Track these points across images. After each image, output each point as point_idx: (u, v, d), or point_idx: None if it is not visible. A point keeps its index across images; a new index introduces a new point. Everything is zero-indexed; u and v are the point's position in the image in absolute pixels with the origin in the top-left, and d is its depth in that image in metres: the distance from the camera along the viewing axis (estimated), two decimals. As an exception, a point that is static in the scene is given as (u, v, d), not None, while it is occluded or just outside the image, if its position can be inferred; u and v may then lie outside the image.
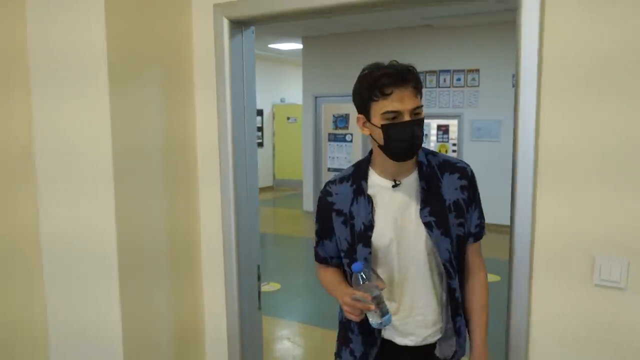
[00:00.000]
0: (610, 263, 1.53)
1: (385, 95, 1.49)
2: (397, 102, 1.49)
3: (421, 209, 1.60)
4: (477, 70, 8.24)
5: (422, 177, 1.62)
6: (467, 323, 1.71)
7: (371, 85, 1.51)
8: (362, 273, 1.50)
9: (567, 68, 1.57)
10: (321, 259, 1.80)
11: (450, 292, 1.64)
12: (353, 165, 1.72)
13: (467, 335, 1.71)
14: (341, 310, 1.69)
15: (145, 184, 2.05)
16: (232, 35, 2.08)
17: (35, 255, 2.09)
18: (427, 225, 1.58)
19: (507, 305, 1.74)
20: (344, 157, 9.59)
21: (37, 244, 2.10)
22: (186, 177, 2.24)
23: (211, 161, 2.22)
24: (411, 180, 1.62)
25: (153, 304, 2.11)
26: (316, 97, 9.71)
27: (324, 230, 1.74)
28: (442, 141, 8.75)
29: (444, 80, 8.52)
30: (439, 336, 1.66)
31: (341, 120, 9.59)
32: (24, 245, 2.06)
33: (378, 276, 1.58)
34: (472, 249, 1.69)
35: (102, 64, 1.83)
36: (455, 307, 1.66)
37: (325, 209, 1.71)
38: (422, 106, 1.55)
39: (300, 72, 9.94)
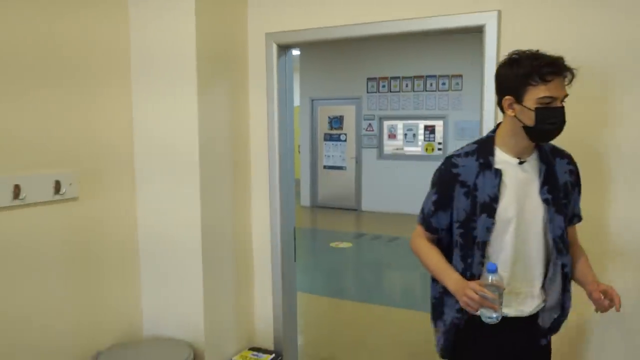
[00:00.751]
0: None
1: (545, 82, 1.61)
2: (554, 90, 1.62)
3: (541, 187, 1.74)
4: (461, 76, 9.04)
5: (541, 158, 1.77)
6: (579, 277, 1.86)
7: (531, 72, 1.62)
8: (496, 273, 1.61)
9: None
10: (432, 229, 1.86)
11: (561, 267, 1.77)
12: (475, 143, 1.83)
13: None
14: (435, 289, 1.89)
15: (218, 177, 2.80)
16: (278, 55, 2.85)
17: (134, 247, 2.81)
18: (545, 201, 1.74)
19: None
20: (338, 155, 10.36)
21: (136, 236, 2.82)
22: (242, 169, 2.98)
23: (261, 155, 2.98)
24: (533, 159, 1.77)
25: (224, 299, 2.89)
26: (313, 100, 10.46)
27: (443, 201, 1.80)
28: (429, 140, 9.55)
29: (431, 85, 9.31)
30: (541, 306, 1.81)
31: (336, 121, 10.34)
32: (124, 237, 2.77)
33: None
34: (574, 227, 1.91)
35: (192, 70, 2.58)
36: (565, 283, 1.78)
37: (449, 180, 1.78)
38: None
39: (296, 77, 10.66)
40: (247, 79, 2.95)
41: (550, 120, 1.64)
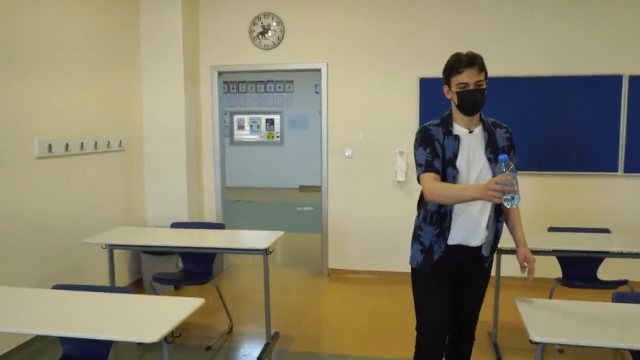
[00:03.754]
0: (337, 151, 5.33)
1: (459, 73, 2.23)
2: (466, 77, 2.22)
3: (485, 149, 2.29)
4: (292, 81, 12.13)
5: (484, 129, 2.34)
6: (511, 231, 2.46)
7: (451, 66, 2.26)
8: (507, 162, 1.95)
9: (334, 101, 5.32)
10: (436, 170, 2.27)
11: (497, 205, 2.30)
12: (438, 118, 2.38)
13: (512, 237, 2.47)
14: (417, 220, 2.45)
15: (193, 145, 5.30)
16: (218, 76, 5.46)
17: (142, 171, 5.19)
18: (489, 159, 2.28)
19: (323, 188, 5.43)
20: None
21: (143, 169, 5.19)
22: (198, 146, 5.51)
23: (207, 142, 5.55)
24: (478, 130, 2.34)
25: (194, 200, 5.40)
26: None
27: (433, 150, 2.29)
28: (269, 130, 12.46)
29: (270, 88, 12.24)
30: (485, 241, 2.35)
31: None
32: (139, 169, 5.15)
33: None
34: None
35: (181, 74, 5.07)
36: (497, 215, 2.35)
37: (429, 138, 2.31)
38: (483, 80, 2.24)
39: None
40: (200, 88, 5.50)
41: (466, 99, 2.23)
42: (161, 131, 5.19)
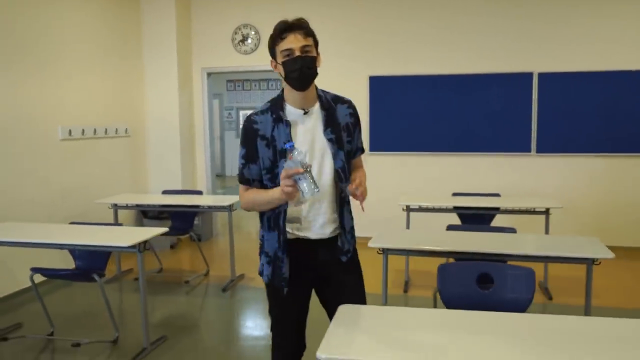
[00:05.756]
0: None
1: (282, 39, 1.90)
2: (290, 43, 1.89)
3: (324, 129, 2.04)
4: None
5: (322, 106, 2.06)
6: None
7: (274, 34, 1.94)
8: (295, 149, 1.81)
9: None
10: (245, 180, 2.07)
11: (340, 192, 2.07)
12: (269, 102, 2.06)
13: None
14: (261, 232, 2.15)
15: (186, 136, 6.50)
16: (208, 77, 6.64)
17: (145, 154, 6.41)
18: (330, 140, 2.04)
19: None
20: (206, 136, 14.04)
21: (145, 155, 6.41)
22: (192, 135, 6.72)
23: (199, 132, 6.75)
24: (315, 109, 2.05)
25: (187, 171, 6.60)
26: (185, 95, 14.01)
27: (250, 154, 2.03)
28: (272, 124, 13.63)
29: (272, 85, 13.42)
30: (339, 231, 2.11)
31: (204, 111, 14.00)
32: (140, 152, 6.37)
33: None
34: (359, 158, 2.26)
35: (175, 77, 6.28)
36: (341, 202, 2.09)
37: (251, 135, 2.02)
38: (312, 46, 1.94)
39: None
40: (193, 88, 6.69)
41: (293, 68, 1.91)
42: (160, 122, 6.40)
